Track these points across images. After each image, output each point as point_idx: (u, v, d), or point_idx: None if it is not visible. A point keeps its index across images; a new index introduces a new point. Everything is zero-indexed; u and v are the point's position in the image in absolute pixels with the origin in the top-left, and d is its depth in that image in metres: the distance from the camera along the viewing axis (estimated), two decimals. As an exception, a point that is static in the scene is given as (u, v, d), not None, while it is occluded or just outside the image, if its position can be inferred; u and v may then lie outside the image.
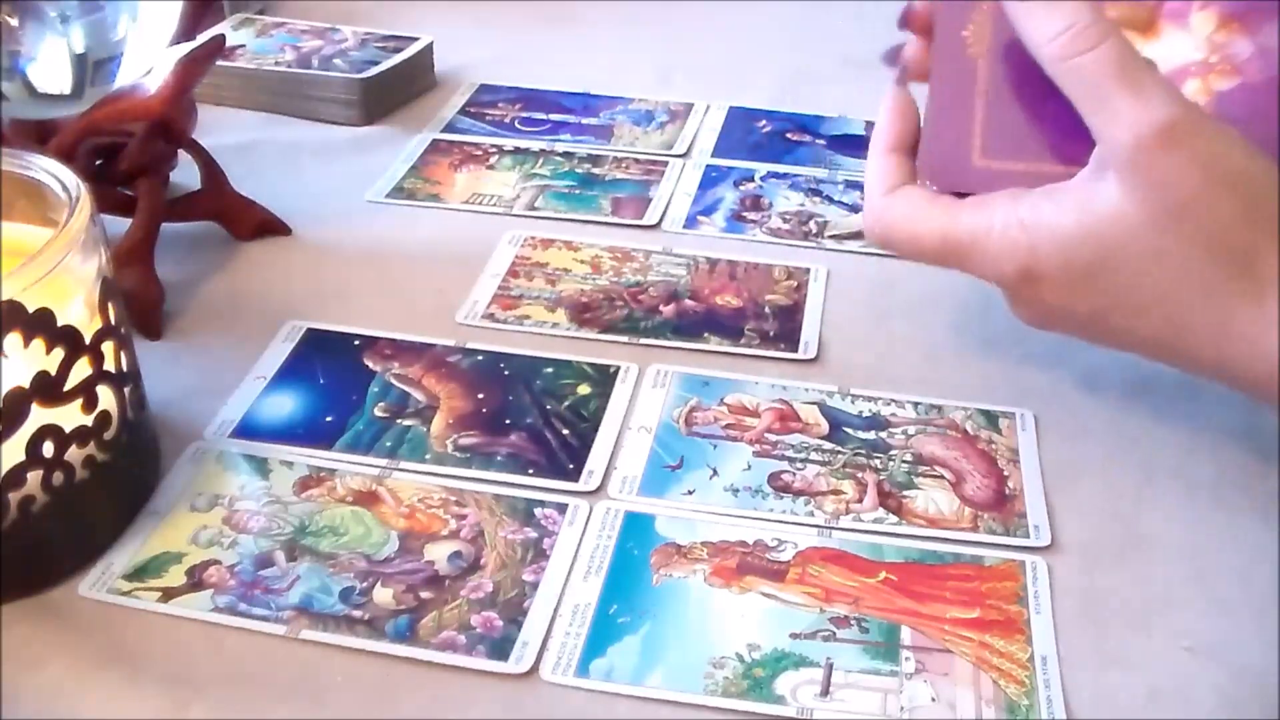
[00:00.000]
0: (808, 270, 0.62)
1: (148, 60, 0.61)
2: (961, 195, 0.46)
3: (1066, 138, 0.44)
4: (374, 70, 0.76)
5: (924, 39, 0.48)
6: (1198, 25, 0.45)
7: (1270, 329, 0.41)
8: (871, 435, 0.51)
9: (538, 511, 0.47)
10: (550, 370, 0.54)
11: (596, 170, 0.71)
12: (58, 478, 0.42)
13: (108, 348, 0.43)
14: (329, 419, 0.51)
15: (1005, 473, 0.49)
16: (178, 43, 0.65)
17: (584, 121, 0.77)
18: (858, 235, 0.65)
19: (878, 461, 0.50)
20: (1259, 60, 0.45)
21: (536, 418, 0.52)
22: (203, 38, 0.64)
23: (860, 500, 0.48)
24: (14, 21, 0.60)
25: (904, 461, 0.50)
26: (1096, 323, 0.44)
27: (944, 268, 0.47)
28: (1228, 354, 0.42)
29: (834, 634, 0.42)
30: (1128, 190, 0.41)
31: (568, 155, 0.73)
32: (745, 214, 0.67)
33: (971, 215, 0.45)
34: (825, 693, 0.40)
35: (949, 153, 0.47)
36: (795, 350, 0.56)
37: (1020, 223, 0.43)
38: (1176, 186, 0.40)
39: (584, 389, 0.53)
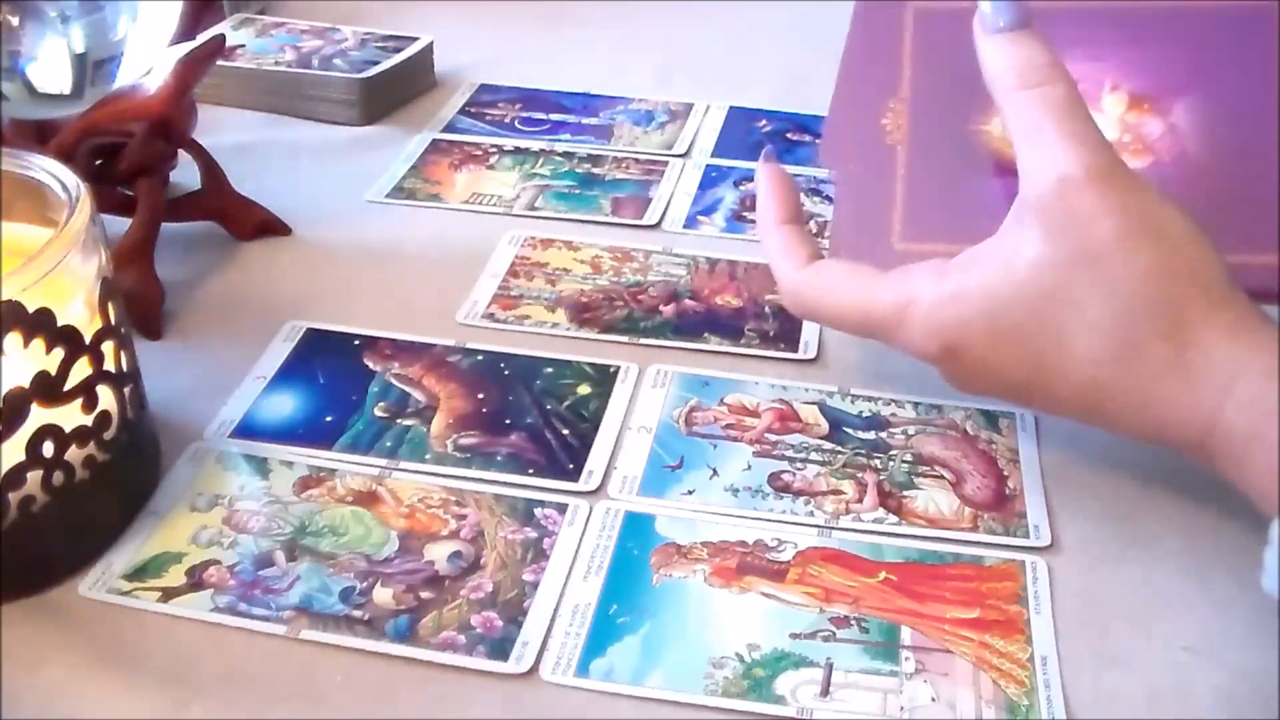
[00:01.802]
0: (808, 270, 0.62)
1: (148, 60, 0.61)
2: None
3: (985, 219, 0.45)
4: (374, 70, 0.76)
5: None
6: (1109, 107, 0.47)
7: (1194, 387, 0.40)
8: (871, 435, 0.51)
9: (538, 511, 0.47)
10: (550, 370, 0.54)
11: (596, 170, 0.71)
12: (58, 478, 0.42)
13: (108, 348, 0.43)
14: (329, 419, 0.51)
15: (1005, 473, 0.49)
16: (178, 43, 0.65)
17: (584, 121, 0.77)
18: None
19: (878, 461, 0.50)
20: (1169, 139, 0.46)
21: (536, 418, 0.52)
22: (203, 38, 0.64)
23: (860, 500, 0.48)
24: (14, 21, 0.60)
25: (904, 461, 0.50)
26: (1026, 390, 0.43)
27: (866, 338, 0.47)
28: (1152, 416, 0.41)
29: (834, 634, 0.42)
30: (1045, 232, 0.41)
31: (568, 155, 0.73)
32: (745, 214, 0.67)
33: (895, 289, 0.44)
34: (825, 693, 0.40)
35: (868, 236, 0.47)
36: (795, 350, 0.56)
37: (950, 295, 0.43)
38: (1092, 227, 0.40)
39: (584, 389, 0.53)
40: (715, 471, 0.49)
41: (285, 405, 0.52)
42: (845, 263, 0.46)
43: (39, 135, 0.60)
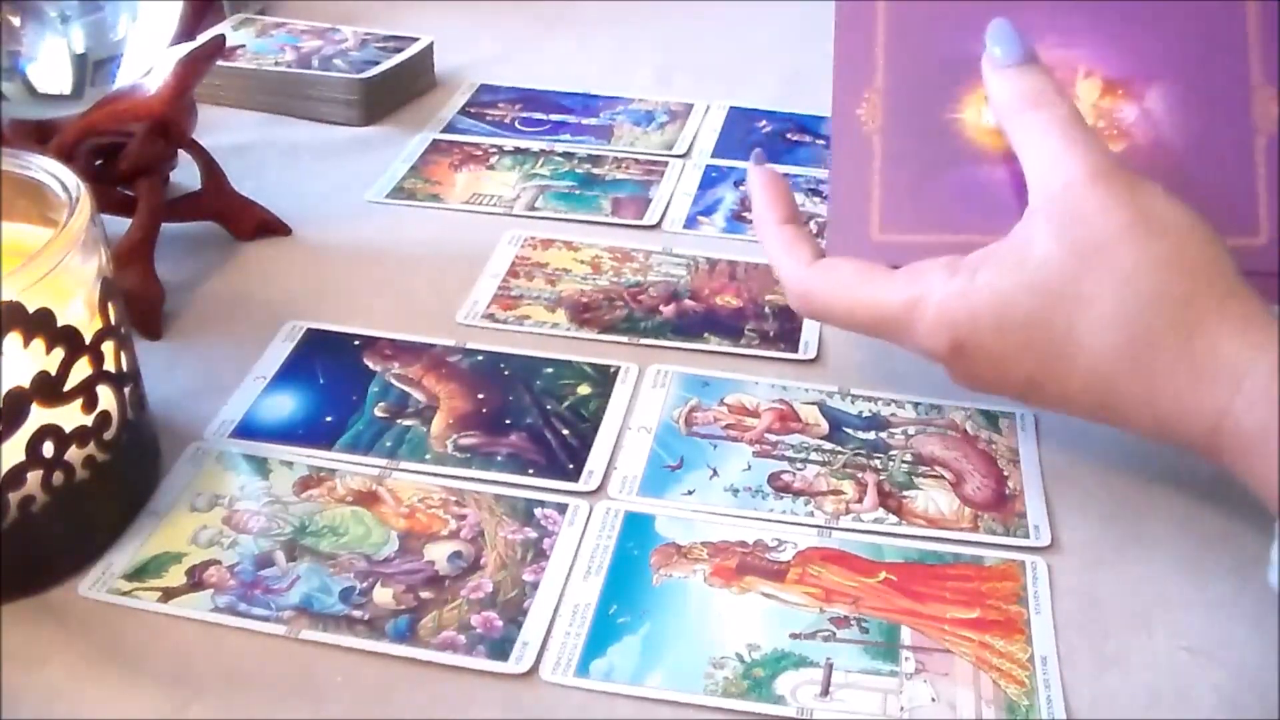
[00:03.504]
0: (808, 270, 0.62)
1: (148, 60, 0.61)
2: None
3: (961, 209, 0.45)
4: (374, 70, 0.76)
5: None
6: (1083, 93, 0.47)
7: (1203, 382, 0.40)
8: (871, 435, 0.51)
9: (538, 511, 0.47)
10: (550, 370, 0.54)
11: (596, 170, 0.71)
12: (58, 478, 0.42)
13: (108, 348, 0.43)
14: (329, 419, 0.51)
15: (1005, 473, 0.49)
16: (178, 43, 0.65)
17: (584, 121, 0.77)
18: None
19: (878, 461, 0.50)
20: (1143, 123, 0.46)
21: (536, 418, 0.52)
22: (203, 38, 0.64)
23: (860, 500, 0.48)
24: (14, 21, 0.60)
25: (904, 461, 0.50)
26: (1034, 387, 0.43)
27: (875, 338, 0.47)
28: (1161, 411, 0.41)
29: (834, 634, 0.42)
30: (1053, 230, 0.41)
31: (568, 155, 0.73)
32: (745, 214, 0.67)
33: (905, 287, 0.44)
34: (825, 693, 0.40)
35: (849, 228, 0.48)
36: (795, 350, 0.56)
37: (959, 292, 0.43)
38: (1100, 223, 0.41)
39: (584, 389, 0.53)
40: (715, 471, 0.49)
41: (285, 405, 0.52)
42: (853, 261, 0.46)
43: (39, 135, 0.60)
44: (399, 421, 0.51)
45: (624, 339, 0.57)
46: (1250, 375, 0.39)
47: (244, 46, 0.79)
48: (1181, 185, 0.42)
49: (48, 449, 0.41)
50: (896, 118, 0.47)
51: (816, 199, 0.69)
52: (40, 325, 0.39)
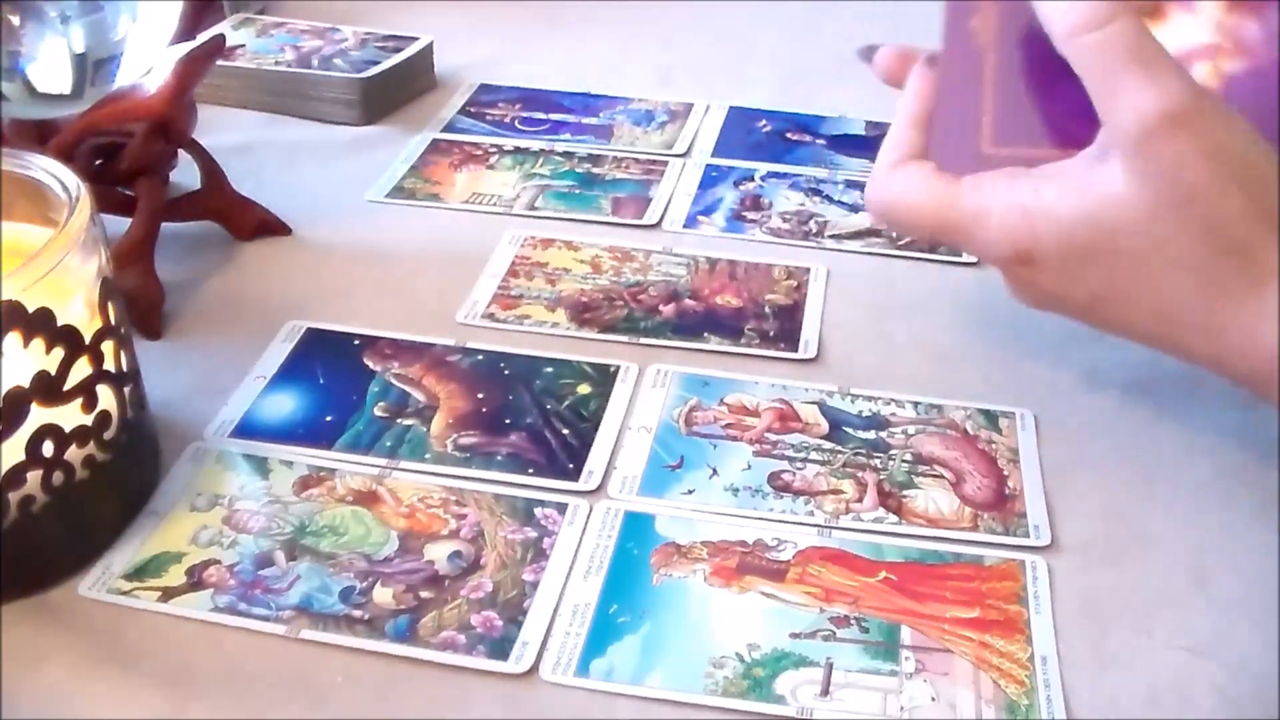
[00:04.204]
0: (808, 270, 0.62)
1: (148, 60, 0.61)
2: None
3: (1075, 124, 0.44)
4: (374, 70, 0.76)
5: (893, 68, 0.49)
6: (1205, 8, 0.45)
7: (1266, 322, 0.40)
8: (871, 435, 0.51)
9: (538, 511, 0.47)
10: (550, 370, 0.54)
11: (596, 170, 0.71)
12: (58, 478, 0.42)
13: (108, 347, 0.43)
14: (329, 419, 0.51)
15: (1005, 473, 0.49)
16: (178, 43, 0.65)
17: (584, 121, 0.77)
18: (858, 235, 0.65)
19: (878, 461, 0.50)
20: (1267, 42, 0.45)
21: (536, 418, 0.52)
22: (203, 38, 0.64)
23: (860, 500, 0.48)
24: (14, 21, 0.60)
25: (904, 461, 0.50)
26: (1094, 309, 0.44)
27: (943, 244, 0.46)
28: (1223, 346, 0.42)
29: (834, 634, 0.42)
30: (1131, 175, 0.41)
31: (568, 155, 0.73)
32: (745, 214, 0.67)
33: (971, 196, 0.44)
34: (825, 692, 0.40)
35: (957, 140, 0.47)
36: (795, 350, 0.56)
37: (1021, 206, 0.43)
38: (1182, 175, 0.40)
39: (584, 389, 0.53)
40: (715, 471, 0.49)
41: (285, 405, 0.52)
42: (927, 166, 0.46)
43: (39, 135, 0.60)
44: (399, 421, 0.51)
45: (624, 339, 0.57)
46: None
47: (244, 46, 0.79)
48: None
49: (47, 449, 0.41)
50: (1011, 28, 0.45)
51: (817, 199, 0.68)
52: (40, 325, 0.39)
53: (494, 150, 0.73)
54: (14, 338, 0.39)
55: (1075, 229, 0.42)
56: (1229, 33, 0.45)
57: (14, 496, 0.41)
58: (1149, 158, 0.40)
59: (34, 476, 0.41)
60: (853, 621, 0.43)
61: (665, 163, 0.72)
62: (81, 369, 0.41)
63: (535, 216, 0.67)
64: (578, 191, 0.69)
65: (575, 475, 0.49)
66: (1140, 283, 0.42)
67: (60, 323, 0.40)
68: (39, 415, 0.40)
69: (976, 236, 0.44)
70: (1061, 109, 0.45)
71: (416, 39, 0.81)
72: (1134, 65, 0.40)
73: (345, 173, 0.70)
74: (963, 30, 0.46)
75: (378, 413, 0.52)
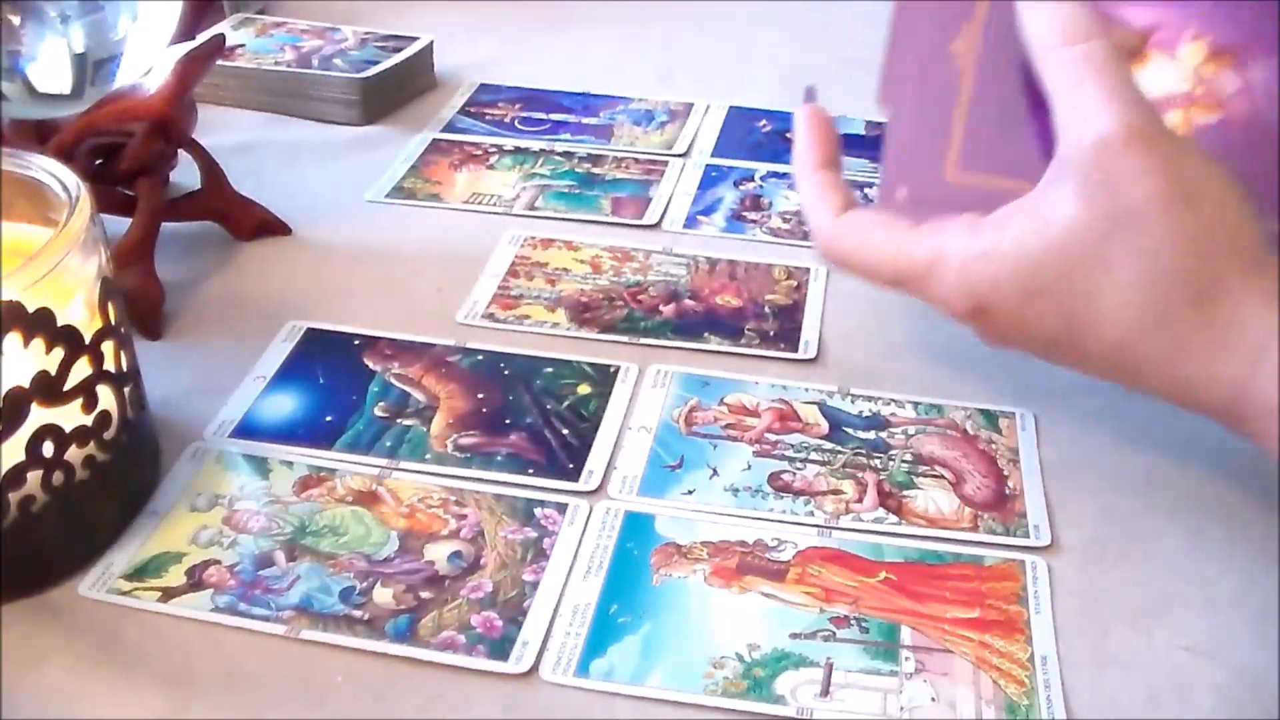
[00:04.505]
0: (808, 270, 0.62)
1: (148, 60, 0.61)
2: (922, 212, 0.46)
3: (1046, 157, 0.44)
4: (374, 70, 0.76)
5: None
6: (1186, 56, 0.45)
7: (1224, 350, 0.40)
8: (871, 435, 0.51)
9: (538, 511, 0.47)
10: (550, 370, 0.54)
11: (596, 170, 0.71)
12: (58, 478, 0.42)
13: (108, 348, 0.43)
14: (329, 419, 0.51)
15: (1005, 473, 0.49)
16: (178, 43, 0.65)
17: (584, 121, 0.77)
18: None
19: (878, 461, 0.50)
20: (1243, 97, 0.44)
21: (536, 418, 0.52)
22: (203, 38, 0.64)
23: (860, 500, 0.48)
24: (14, 21, 0.60)
25: (904, 461, 0.50)
26: (1056, 346, 0.43)
27: (896, 292, 0.46)
28: (1184, 375, 0.41)
29: (834, 634, 0.42)
30: (1082, 192, 0.40)
31: (568, 155, 0.73)
32: (745, 214, 0.67)
33: (929, 243, 0.44)
34: (825, 693, 0.40)
35: (921, 162, 0.46)
36: (795, 350, 0.56)
37: (981, 254, 0.42)
38: (1131, 188, 0.40)
39: (584, 389, 0.53)
40: (715, 471, 0.49)
41: (285, 405, 0.52)
42: (879, 213, 0.46)
43: (39, 135, 0.60)
44: (399, 421, 0.51)
45: (624, 339, 0.57)
46: (1271, 349, 0.39)
47: (244, 46, 0.79)
48: (1265, 167, 0.41)
49: (48, 449, 0.41)
50: (994, 53, 0.45)
51: (816, 199, 0.68)
52: (40, 325, 0.39)
53: (494, 150, 0.73)
54: (14, 338, 0.39)
55: (1036, 267, 0.41)
56: (1205, 83, 0.45)
57: (14, 496, 0.41)
58: (1099, 172, 0.40)
59: (34, 476, 0.41)
60: (853, 622, 0.43)
61: (665, 163, 0.72)
62: (81, 369, 0.41)
63: (535, 216, 0.67)
64: (578, 191, 0.69)
65: (575, 475, 0.49)
66: (1096, 312, 0.41)
67: (60, 323, 0.40)
68: (39, 415, 0.40)
69: (933, 285, 0.44)
70: (1033, 144, 0.45)
71: (416, 39, 0.81)
72: (1102, 84, 0.40)
73: (345, 173, 0.70)
74: (942, 51, 0.46)
75: (378, 413, 0.52)
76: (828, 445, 0.51)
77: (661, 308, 0.59)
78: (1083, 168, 0.40)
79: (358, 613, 0.42)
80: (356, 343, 0.56)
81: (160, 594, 0.43)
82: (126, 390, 0.44)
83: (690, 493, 0.48)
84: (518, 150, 0.73)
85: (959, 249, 0.43)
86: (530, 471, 0.49)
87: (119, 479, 0.45)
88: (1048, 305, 0.42)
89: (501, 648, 0.41)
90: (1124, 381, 0.43)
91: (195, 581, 0.43)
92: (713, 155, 0.73)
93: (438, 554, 0.45)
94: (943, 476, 0.49)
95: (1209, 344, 0.40)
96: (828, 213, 0.47)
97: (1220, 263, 0.40)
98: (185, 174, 0.63)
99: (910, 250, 0.44)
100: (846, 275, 0.47)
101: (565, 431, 0.51)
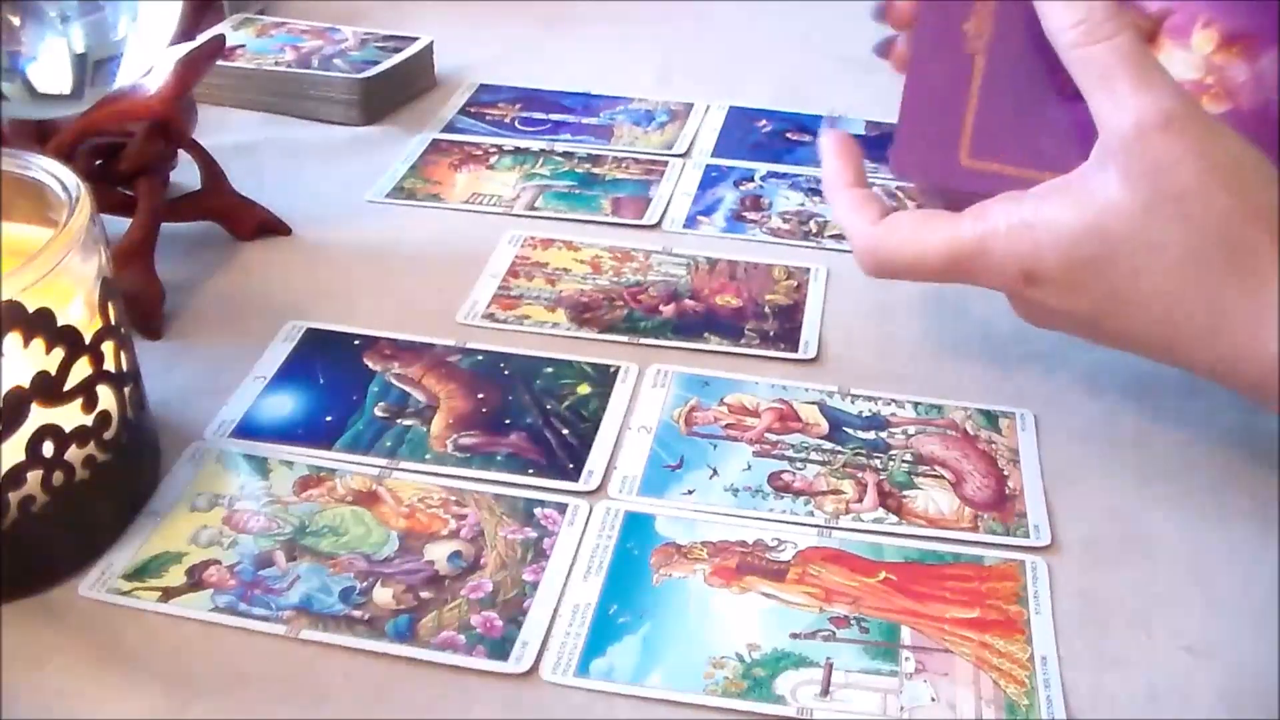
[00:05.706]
0: (808, 270, 0.62)
1: (148, 60, 0.61)
2: (945, 197, 0.46)
3: (1059, 146, 0.44)
4: (374, 70, 0.76)
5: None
6: (1198, 44, 0.45)
7: (1265, 327, 0.41)
8: (871, 435, 0.51)
9: (538, 511, 0.47)
10: (550, 370, 0.54)
11: (596, 170, 0.71)
12: (58, 478, 0.42)
13: (108, 348, 0.43)
14: (329, 419, 0.51)
15: (1005, 473, 0.49)
16: (178, 43, 0.65)
17: (584, 121, 0.77)
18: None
19: (878, 461, 0.50)
20: (1253, 86, 0.45)
21: (536, 418, 0.52)
22: (203, 38, 0.64)
23: (860, 500, 0.48)
24: (14, 21, 0.60)
25: (904, 461, 0.50)
26: (1098, 322, 0.44)
27: (948, 282, 0.46)
28: (1225, 352, 0.42)
29: (834, 634, 0.42)
30: (1126, 178, 0.41)
31: (568, 155, 0.73)
32: (745, 214, 0.67)
33: (974, 223, 0.45)
34: (825, 693, 0.40)
35: (934, 149, 0.46)
36: (795, 350, 0.56)
37: (1024, 223, 0.43)
38: (1173, 173, 0.41)
39: (584, 389, 0.53)
40: (715, 471, 0.49)
41: (285, 405, 0.52)
42: (917, 211, 0.47)
43: (39, 135, 0.60)
44: (399, 421, 0.51)
45: (624, 339, 0.57)
46: None
47: (244, 46, 0.79)
48: (1276, 158, 0.41)
49: (48, 449, 0.41)
50: (1008, 36, 0.45)
51: (816, 199, 0.69)
52: (40, 325, 0.39)
53: (494, 150, 0.73)
54: (14, 338, 0.39)
55: (1077, 240, 0.42)
56: (1217, 73, 0.45)
57: (14, 496, 0.41)
58: (1141, 158, 0.41)
59: (34, 476, 0.41)
60: (853, 622, 0.43)
61: (665, 163, 0.72)
62: (81, 369, 0.41)
63: (535, 216, 0.67)
64: (578, 191, 0.69)
65: (575, 475, 0.49)
66: (1140, 290, 0.42)
67: (60, 323, 0.40)
68: (39, 415, 0.40)
69: (984, 262, 0.44)
70: (1048, 130, 0.45)
71: (416, 39, 0.81)
72: (1132, 74, 0.42)
73: (345, 173, 0.70)
74: (953, 32, 0.46)
75: (378, 413, 0.52)
76: (828, 445, 0.51)
77: (661, 308, 0.59)
78: (1125, 156, 0.41)
79: (358, 613, 0.42)
80: (356, 343, 0.56)
81: (160, 594, 0.43)
82: (126, 390, 0.44)
83: (690, 493, 0.48)
84: (518, 150, 0.73)
85: (1004, 219, 0.44)
86: (530, 471, 0.49)
87: (119, 479, 0.45)
88: (1090, 281, 0.43)
89: (501, 648, 0.41)
90: (1168, 358, 0.44)
91: (195, 581, 0.43)
92: (713, 155, 0.73)
93: (438, 554, 0.45)
94: (943, 476, 0.49)
95: (1248, 321, 0.41)
96: (867, 221, 0.47)
97: (1261, 239, 0.41)
98: (185, 174, 0.63)
99: (959, 232, 0.45)
100: (893, 278, 0.47)
101: (565, 431, 0.51)
